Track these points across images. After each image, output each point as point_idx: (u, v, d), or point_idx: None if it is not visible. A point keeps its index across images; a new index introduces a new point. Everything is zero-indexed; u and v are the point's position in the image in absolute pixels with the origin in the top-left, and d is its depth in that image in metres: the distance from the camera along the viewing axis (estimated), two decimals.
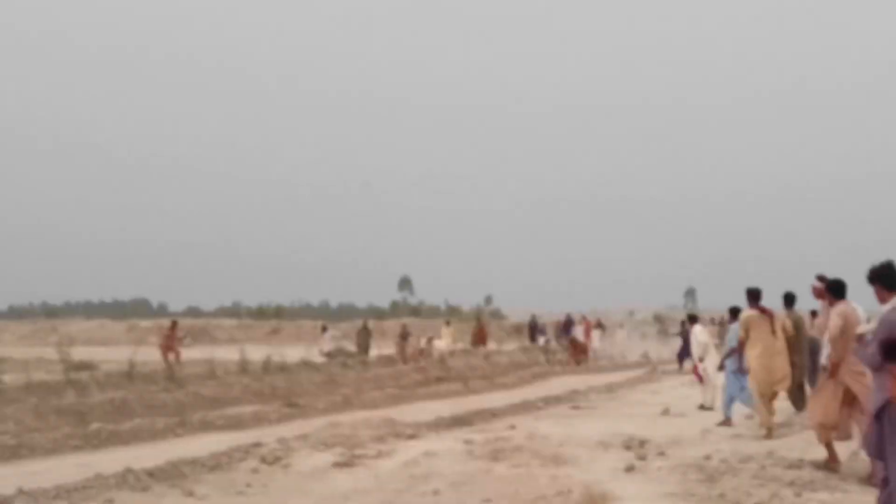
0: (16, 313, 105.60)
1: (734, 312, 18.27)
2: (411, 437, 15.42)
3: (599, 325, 51.90)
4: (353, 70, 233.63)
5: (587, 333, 49.23)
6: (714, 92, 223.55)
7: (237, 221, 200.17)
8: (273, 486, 12.07)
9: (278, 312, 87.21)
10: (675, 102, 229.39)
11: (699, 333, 21.33)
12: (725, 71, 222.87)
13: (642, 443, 14.80)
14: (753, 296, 16.14)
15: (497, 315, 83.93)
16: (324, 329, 42.51)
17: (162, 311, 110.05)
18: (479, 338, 45.86)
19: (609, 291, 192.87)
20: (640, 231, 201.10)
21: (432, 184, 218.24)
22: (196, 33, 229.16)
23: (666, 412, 20.45)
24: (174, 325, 36.15)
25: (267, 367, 29.45)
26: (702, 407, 21.00)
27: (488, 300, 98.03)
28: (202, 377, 27.15)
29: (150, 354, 31.25)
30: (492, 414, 20.39)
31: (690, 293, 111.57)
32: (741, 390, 17.33)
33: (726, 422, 17.67)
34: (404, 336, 40.50)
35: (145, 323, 74.47)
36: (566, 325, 52.84)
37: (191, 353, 36.44)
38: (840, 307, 11.93)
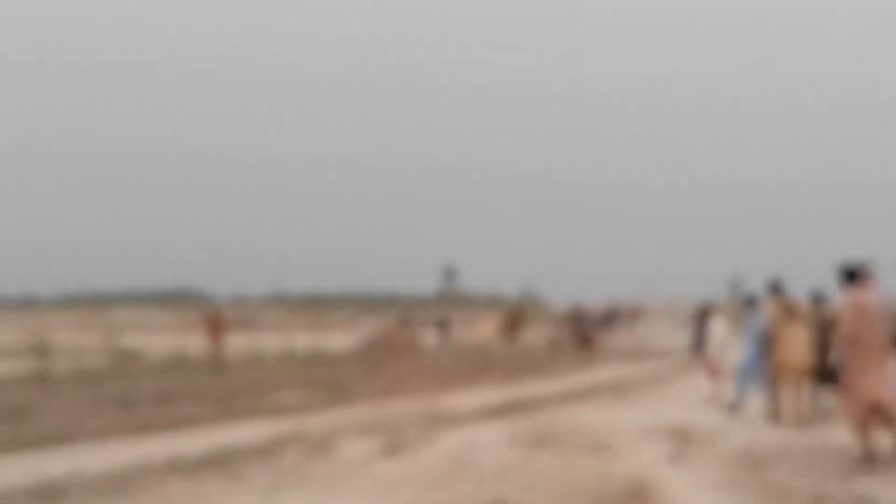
0: (66, 302, 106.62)
1: (751, 298, 18.63)
2: (454, 424, 15.45)
3: (635, 314, 51.79)
4: (394, 58, 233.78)
5: (625, 322, 49.29)
6: (751, 76, 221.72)
7: (281, 211, 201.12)
8: (317, 473, 12.13)
9: (323, 301, 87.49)
10: (722, 89, 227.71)
11: (717, 326, 21.22)
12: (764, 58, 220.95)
13: (685, 431, 14.75)
14: (776, 288, 16.64)
15: (540, 304, 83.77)
16: (362, 321, 42.32)
17: (208, 299, 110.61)
18: (514, 326, 45.54)
19: (653, 280, 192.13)
20: (684, 220, 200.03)
21: (476, 173, 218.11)
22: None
23: (709, 401, 20.36)
24: (218, 310, 36.10)
25: (311, 354, 29.64)
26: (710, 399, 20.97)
27: (531, 289, 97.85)
28: (248, 365, 27.37)
29: (195, 342, 31.51)
30: (534, 402, 20.35)
31: (735, 282, 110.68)
32: (749, 378, 17.80)
33: (736, 407, 17.74)
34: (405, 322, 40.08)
35: (191, 312, 74.91)
36: (610, 315, 52.79)
37: (236, 342, 36.69)
38: (850, 298, 11.82)
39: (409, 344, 36.48)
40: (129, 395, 20.22)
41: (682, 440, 13.95)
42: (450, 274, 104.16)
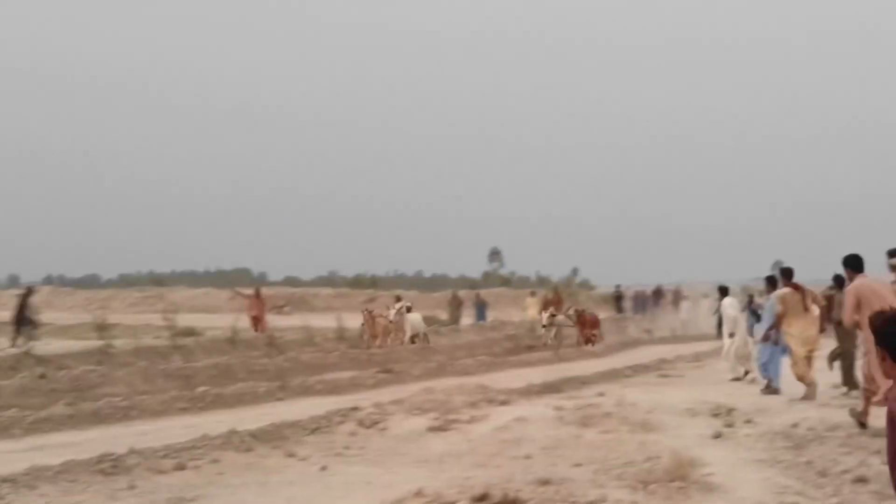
0: (125, 282, 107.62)
1: (771, 281, 18.65)
2: (503, 403, 15.43)
3: (680, 297, 51.33)
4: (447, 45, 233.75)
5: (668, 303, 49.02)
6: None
7: (335, 193, 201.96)
8: (370, 448, 12.19)
9: (374, 282, 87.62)
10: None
11: (728, 307, 21.09)
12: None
13: (729, 410, 14.67)
14: (786, 274, 17.35)
15: (586, 286, 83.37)
16: (398, 299, 41.32)
17: (262, 279, 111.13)
18: (555, 307, 44.67)
19: (698, 263, 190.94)
20: (728, 203, 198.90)
21: (522, 157, 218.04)
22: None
23: (752, 381, 20.24)
24: (258, 291, 35.59)
25: (363, 334, 29.67)
26: (736, 379, 20.81)
27: (576, 271, 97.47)
28: (301, 344, 27.48)
29: (243, 322, 31.65)
30: (581, 381, 20.31)
31: (778, 265, 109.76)
32: (771, 359, 17.92)
33: (770, 388, 17.86)
34: (370, 309, 33.05)
35: (247, 291, 75.25)
36: (655, 296, 52.47)
37: (290, 321, 36.80)
38: (855, 283, 12.34)
39: (393, 326, 30.41)
40: (188, 373, 20.40)
41: (728, 419, 13.88)
42: (495, 257, 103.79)
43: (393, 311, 30.53)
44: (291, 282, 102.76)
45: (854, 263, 12.83)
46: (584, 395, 17.29)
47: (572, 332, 33.51)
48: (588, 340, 33.01)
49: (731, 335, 20.73)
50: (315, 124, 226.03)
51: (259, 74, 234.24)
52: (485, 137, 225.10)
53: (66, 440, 13.20)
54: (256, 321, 32.98)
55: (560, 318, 33.54)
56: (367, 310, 32.01)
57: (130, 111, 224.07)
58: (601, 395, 16.88)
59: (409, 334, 30.38)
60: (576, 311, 34.41)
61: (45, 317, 28.82)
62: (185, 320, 29.84)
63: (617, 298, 52.66)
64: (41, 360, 20.23)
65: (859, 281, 12.60)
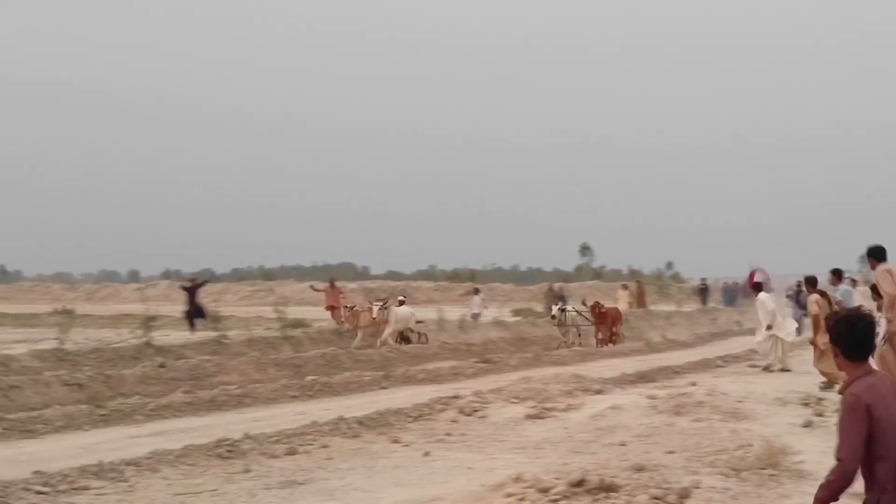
0: (237, 276, 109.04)
1: (812, 282, 18.79)
2: (598, 392, 15.34)
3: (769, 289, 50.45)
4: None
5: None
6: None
7: (435, 191, 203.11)
8: (471, 435, 12.22)
9: (472, 275, 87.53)
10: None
11: (766, 302, 20.73)
12: None
13: (819, 400, 14.41)
14: (811, 282, 18.31)
15: (677, 279, 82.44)
16: (476, 291, 40.74)
17: (365, 273, 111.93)
18: (639, 300, 43.99)
19: (784, 256, 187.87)
20: (815, 196, 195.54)
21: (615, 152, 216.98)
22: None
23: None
24: (332, 283, 34.61)
25: (462, 325, 29.71)
26: (766, 368, 20.49)
27: (669, 265, 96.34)
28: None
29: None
30: (673, 371, 20.15)
31: (864, 259, 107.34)
32: None
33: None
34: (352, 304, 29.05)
35: (351, 285, 75.79)
36: (745, 288, 51.64)
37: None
38: (882, 266, 13.07)
39: (377, 321, 26.50)
40: (297, 362, 20.60)
41: (818, 408, 13.64)
42: (585, 252, 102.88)
43: (376, 307, 26.77)
44: (393, 276, 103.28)
45: (878, 253, 13.48)
46: (677, 384, 17.13)
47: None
48: (609, 340, 28.59)
49: (769, 328, 20.48)
50: (419, 139, 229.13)
51: (365, 94, 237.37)
52: (586, 142, 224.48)
53: (185, 426, 13.42)
54: (333, 311, 32.27)
55: (572, 312, 29.65)
56: (348, 304, 29.42)
57: (254, 129, 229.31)
58: (693, 384, 16.68)
59: (391, 329, 26.27)
60: (592, 305, 29.33)
61: (164, 310, 29.33)
62: (293, 313, 30.15)
63: (702, 291, 52.10)
64: (161, 350, 20.59)
65: (885, 264, 13.31)
